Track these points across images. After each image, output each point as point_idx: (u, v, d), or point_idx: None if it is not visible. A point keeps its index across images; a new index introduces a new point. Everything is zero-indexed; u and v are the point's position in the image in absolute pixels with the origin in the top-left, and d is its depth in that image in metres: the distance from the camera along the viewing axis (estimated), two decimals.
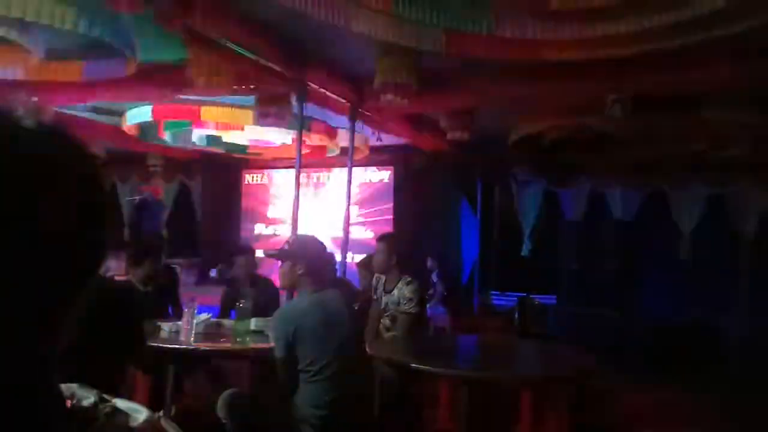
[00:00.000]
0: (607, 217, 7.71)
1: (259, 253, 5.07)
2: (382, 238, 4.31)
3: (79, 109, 5.96)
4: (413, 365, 3.12)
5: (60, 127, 0.52)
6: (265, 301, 4.22)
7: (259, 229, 8.75)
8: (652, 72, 4.05)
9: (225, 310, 4.41)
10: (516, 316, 7.57)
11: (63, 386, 0.54)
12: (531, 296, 7.77)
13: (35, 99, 4.93)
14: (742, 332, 6.60)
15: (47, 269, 0.47)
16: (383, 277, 4.20)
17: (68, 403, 0.53)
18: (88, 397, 0.54)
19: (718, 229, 7.22)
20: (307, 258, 2.90)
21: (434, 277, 7.10)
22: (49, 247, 0.47)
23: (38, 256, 0.46)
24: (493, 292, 8.22)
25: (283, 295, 4.39)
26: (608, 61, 3.67)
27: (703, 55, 3.77)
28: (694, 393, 4.88)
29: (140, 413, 0.54)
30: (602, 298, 7.21)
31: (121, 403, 0.55)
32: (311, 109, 4.96)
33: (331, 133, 6.22)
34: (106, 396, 0.55)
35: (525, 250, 7.95)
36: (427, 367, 3.12)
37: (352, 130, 5.38)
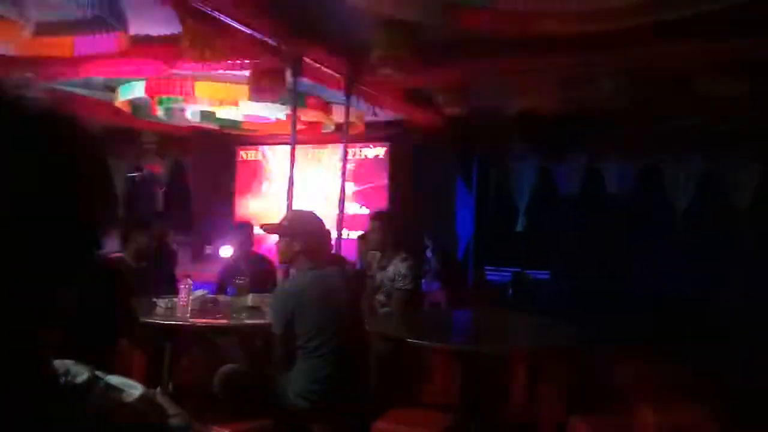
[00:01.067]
0: (602, 192, 7.72)
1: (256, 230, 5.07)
2: (376, 216, 4.30)
3: (70, 85, 5.89)
4: (408, 340, 3.14)
5: (58, 103, 0.51)
6: (262, 277, 4.24)
7: (254, 205, 8.72)
8: (647, 45, 4.01)
9: (222, 287, 4.42)
10: (510, 290, 7.63)
11: (57, 362, 0.54)
12: (525, 271, 7.82)
13: (28, 75, 4.87)
14: (738, 305, 6.67)
15: (46, 247, 0.47)
16: (378, 254, 4.21)
17: (62, 380, 0.53)
18: (82, 374, 0.53)
19: (713, 203, 7.25)
20: (305, 234, 2.89)
21: (428, 253, 7.12)
22: (49, 224, 0.47)
23: (39, 233, 0.46)
24: (488, 268, 8.26)
25: (279, 272, 4.41)
26: (604, 34, 3.63)
27: (698, 28, 3.73)
28: (689, 366, 4.93)
29: (135, 389, 0.53)
30: (596, 273, 7.26)
31: (115, 380, 0.54)
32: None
33: (327, 108, 6.16)
34: (99, 373, 0.55)
35: (520, 226, 7.98)
36: (421, 342, 3.14)
37: (348, 105, 5.33)
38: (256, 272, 4.31)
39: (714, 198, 7.23)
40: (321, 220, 3.04)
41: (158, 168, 8.87)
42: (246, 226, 4.67)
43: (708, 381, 4.42)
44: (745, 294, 6.70)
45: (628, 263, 7.43)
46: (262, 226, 3.15)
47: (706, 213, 7.27)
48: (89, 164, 0.51)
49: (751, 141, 6.70)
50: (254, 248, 4.67)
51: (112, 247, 4.22)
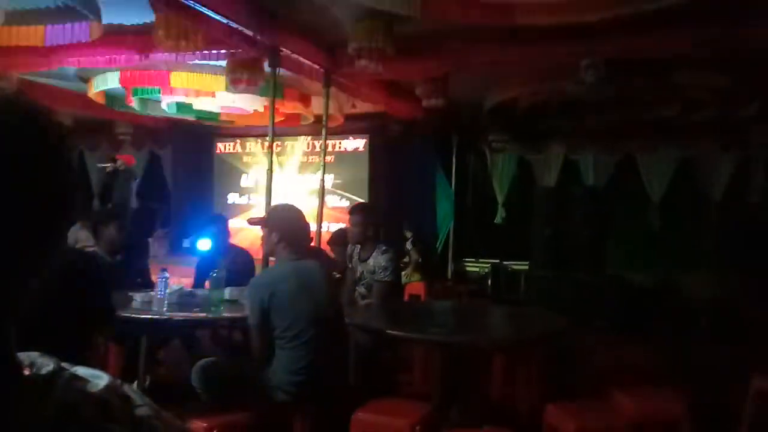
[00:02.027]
0: (580, 183, 7.81)
1: (234, 222, 5.03)
2: (356, 211, 4.27)
3: (43, 76, 5.77)
4: (388, 331, 3.15)
5: (21, 93, 0.50)
6: (240, 270, 4.21)
7: (233, 198, 8.66)
8: (624, 36, 4.05)
9: (200, 281, 4.38)
10: (489, 281, 7.70)
11: (22, 355, 0.53)
12: (504, 262, 7.89)
13: None
14: (709, 293, 6.81)
15: (7, 238, 0.46)
16: (358, 246, 4.20)
17: (26, 371, 0.52)
18: (47, 365, 0.52)
19: (686, 192, 7.39)
20: (282, 226, 2.89)
21: (408, 245, 7.14)
22: (8, 215, 0.46)
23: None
24: (467, 259, 8.31)
25: (258, 265, 4.38)
26: (581, 25, 3.66)
27: (674, 20, 3.78)
28: (662, 352, 5.04)
29: (101, 379, 0.53)
30: (574, 263, 7.36)
31: (81, 370, 0.54)
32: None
33: (305, 100, 6.12)
34: (65, 364, 0.54)
35: (499, 218, 8.03)
36: (401, 333, 3.16)
37: (327, 97, 5.30)
38: (234, 265, 4.28)
39: (687, 188, 7.36)
40: (300, 212, 3.03)
41: (131, 159, 8.73)
42: (220, 219, 4.61)
43: (681, 366, 4.53)
44: (716, 281, 6.84)
45: (604, 253, 7.54)
46: (248, 220, 3.14)
47: (679, 202, 7.40)
48: (49, 152, 0.50)
49: (726, 131, 6.83)
50: (231, 241, 4.63)
51: (89, 241, 4.16)
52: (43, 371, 0.52)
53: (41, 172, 0.49)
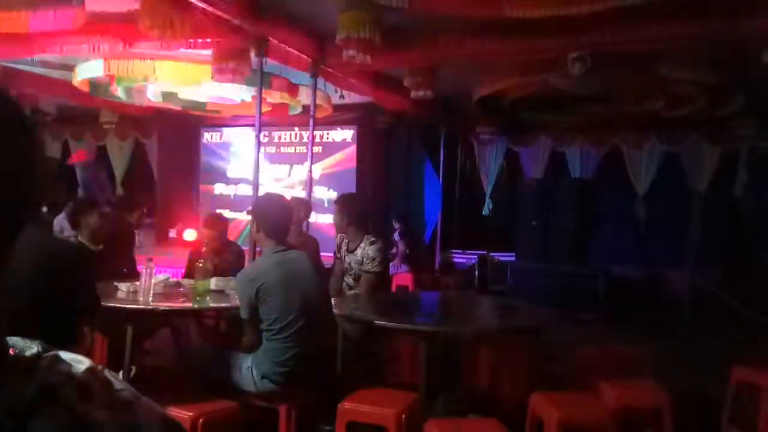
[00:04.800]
0: (566, 175, 7.86)
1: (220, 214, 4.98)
2: (337, 201, 4.30)
3: (27, 63, 5.68)
4: (375, 321, 3.16)
5: None
6: (229, 262, 4.19)
7: (219, 188, 8.61)
8: (612, 29, 4.07)
9: (191, 272, 4.35)
10: (476, 273, 7.74)
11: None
12: (491, 254, 7.94)
13: None
14: (693, 284, 6.91)
15: None
16: (347, 237, 4.20)
17: (9, 353, 0.52)
18: (30, 348, 0.52)
19: (671, 186, 7.46)
20: (263, 217, 2.89)
21: (396, 236, 7.16)
22: None
23: None
24: (455, 251, 8.34)
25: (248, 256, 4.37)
26: (569, 18, 3.67)
27: (662, 13, 3.81)
28: (647, 343, 5.10)
29: (82, 363, 0.53)
30: (560, 255, 7.41)
31: (63, 354, 0.54)
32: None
33: (293, 90, 6.08)
34: (49, 347, 0.54)
35: (486, 209, 8.06)
36: (388, 323, 3.17)
37: (314, 87, 5.28)
38: (223, 257, 4.26)
39: (673, 181, 7.43)
40: (282, 201, 3.02)
41: (82, 155, 8.73)
42: (219, 223, 4.53)
43: (664, 357, 4.59)
44: (700, 273, 6.93)
45: (590, 245, 7.60)
46: (247, 211, 3.12)
47: (664, 196, 7.48)
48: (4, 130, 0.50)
49: (712, 126, 6.90)
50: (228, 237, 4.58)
51: (70, 230, 4.12)
52: (27, 353, 0.52)
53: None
